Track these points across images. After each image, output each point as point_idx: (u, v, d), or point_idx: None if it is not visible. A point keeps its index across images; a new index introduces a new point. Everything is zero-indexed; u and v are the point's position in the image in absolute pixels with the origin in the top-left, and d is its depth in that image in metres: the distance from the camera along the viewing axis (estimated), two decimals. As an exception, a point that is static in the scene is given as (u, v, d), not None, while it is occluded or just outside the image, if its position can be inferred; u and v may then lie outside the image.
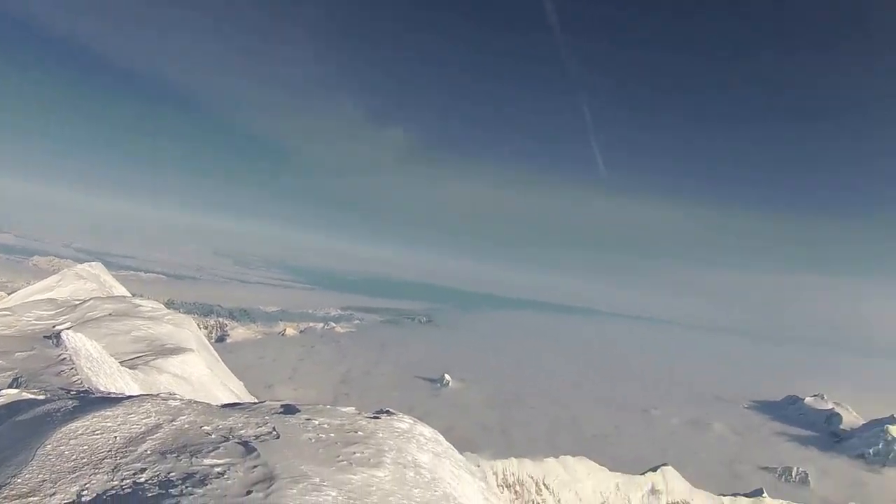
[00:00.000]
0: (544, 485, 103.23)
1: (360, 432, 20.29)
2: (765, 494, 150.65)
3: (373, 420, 22.79)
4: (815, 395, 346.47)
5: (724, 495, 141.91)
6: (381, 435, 20.93)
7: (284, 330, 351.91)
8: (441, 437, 25.78)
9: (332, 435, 19.41)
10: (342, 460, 16.88)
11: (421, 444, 22.56)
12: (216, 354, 57.38)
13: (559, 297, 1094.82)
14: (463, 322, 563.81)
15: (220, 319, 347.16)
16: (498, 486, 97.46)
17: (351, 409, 23.61)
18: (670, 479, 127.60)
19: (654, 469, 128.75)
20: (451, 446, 26.00)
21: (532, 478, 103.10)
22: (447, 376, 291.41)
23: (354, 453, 17.59)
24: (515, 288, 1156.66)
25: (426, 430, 25.19)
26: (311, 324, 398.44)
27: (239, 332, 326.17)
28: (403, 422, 24.87)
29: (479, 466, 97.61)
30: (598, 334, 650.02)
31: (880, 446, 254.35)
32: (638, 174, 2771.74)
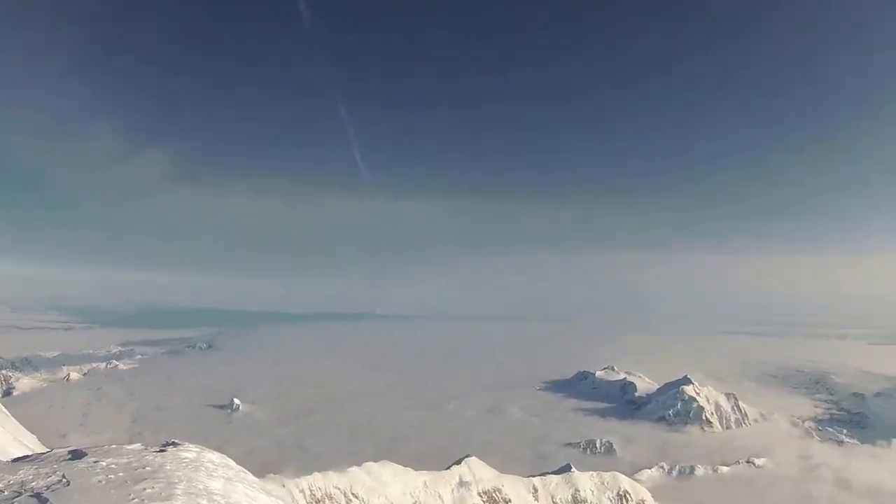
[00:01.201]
0: (353, 494, 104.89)
1: (148, 467, 21.01)
2: (573, 469, 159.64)
3: (159, 454, 23.57)
4: (605, 368, 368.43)
5: (534, 476, 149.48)
6: (169, 467, 21.77)
7: (68, 375, 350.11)
8: (231, 462, 26.78)
9: (122, 474, 19.99)
10: (134, 498, 17.31)
11: (210, 472, 23.47)
12: (5, 410, 55.42)
13: (338, 306, 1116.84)
14: (246, 343, 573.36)
15: (4, 372, 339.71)
16: (307, 502, 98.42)
17: (137, 446, 24.33)
18: (477, 469, 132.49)
19: (459, 462, 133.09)
20: (243, 469, 27.11)
21: (339, 489, 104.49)
22: (236, 400, 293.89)
23: (145, 489, 18.17)
24: (295, 302, 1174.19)
25: (214, 457, 26.19)
26: (94, 364, 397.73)
27: (24, 383, 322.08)
28: (190, 451, 25.67)
29: (284, 486, 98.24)
30: (381, 338, 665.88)
31: (679, 407, 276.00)
32: (401, 172, 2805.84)
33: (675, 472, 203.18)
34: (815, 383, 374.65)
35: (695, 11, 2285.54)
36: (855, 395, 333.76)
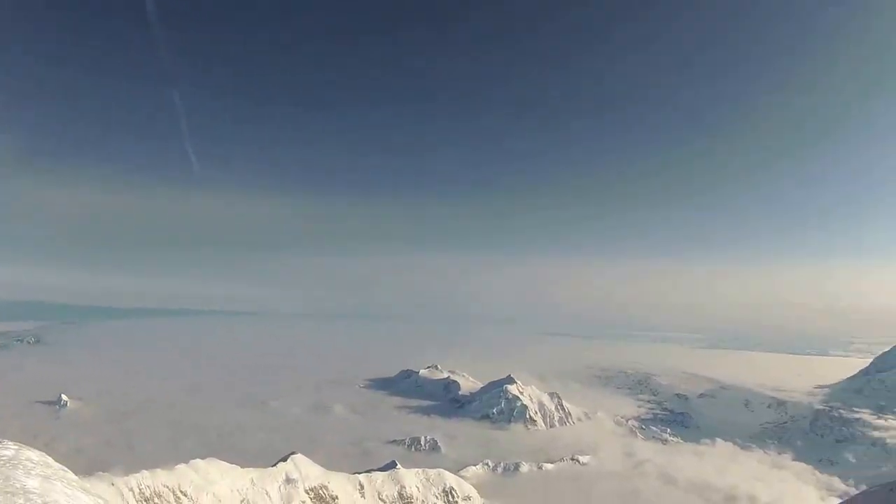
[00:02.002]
0: (181, 492, 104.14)
1: (-39, 466, 21.47)
2: (399, 466, 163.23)
3: (-26, 452, 24.09)
4: (429, 367, 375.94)
5: (359, 473, 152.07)
6: (-17, 466, 22.24)
7: None
8: (50, 460, 26.67)
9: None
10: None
11: (28, 469, 22.62)
12: None
13: (169, 301, 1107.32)
14: (74, 338, 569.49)
15: None
16: (136, 500, 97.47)
17: (-49, 444, 24.69)
18: (303, 466, 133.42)
19: (285, 459, 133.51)
20: (63, 467, 26.89)
21: (168, 487, 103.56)
22: (64, 397, 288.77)
23: (-43, 488, 17.10)
24: (126, 297, 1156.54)
25: (33, 455, 26.10)
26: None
27: None
28: (8, 449, 25.41)
29: (113, 485, 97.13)
30: (210, 334, 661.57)
31: (502, 405, 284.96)
32: (235, 167, 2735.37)
33: (500, 469, 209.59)
34: (638, 384, 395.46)
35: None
36: (678, 395, 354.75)
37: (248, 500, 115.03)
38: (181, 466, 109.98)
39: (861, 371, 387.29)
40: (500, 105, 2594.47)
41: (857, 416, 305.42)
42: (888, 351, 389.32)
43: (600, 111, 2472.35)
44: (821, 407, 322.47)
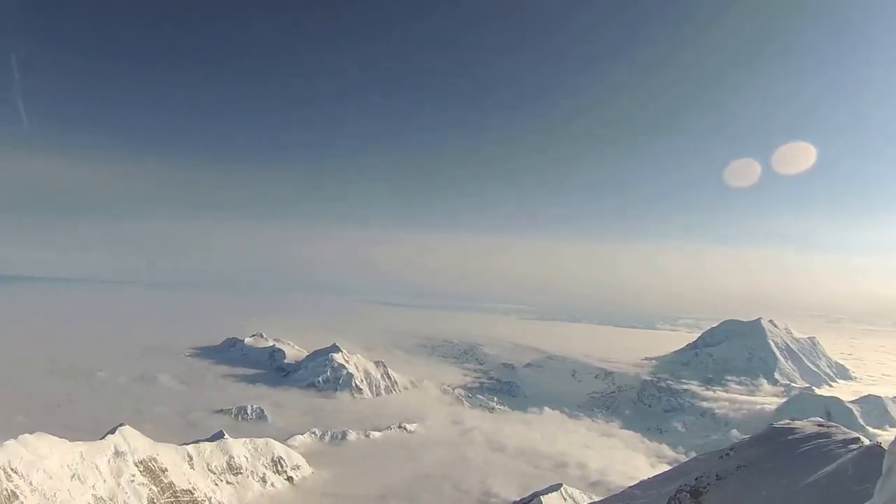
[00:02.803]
0: (12, 469, 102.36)
1: None
2: (226, 436, 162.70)
3: None
4: (254, 335, 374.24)
5: (187, 444, 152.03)
6: None
7: None
8: None
9: None
10: None
11: None
12: None
13: None
14: None
15: None
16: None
17: None
18: (131, 438, 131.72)
19: (113, 431, 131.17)
20: None
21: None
22: None
23: None
24: None
25: None
26: None
27: None
28: None
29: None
30: (33, 302, 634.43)
31: (328, 374, 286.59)
32: (70, 127, 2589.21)
33: (327, 438, 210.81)
34: (465, 354, 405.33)
35: None
36: (505, 365, 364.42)
37: (78, 476, 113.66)
38: (10, 442, 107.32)
39: (689, 345, 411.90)
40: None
41: (684, 387, 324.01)
42: (716, 326, 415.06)
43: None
44: (648, 378, 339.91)
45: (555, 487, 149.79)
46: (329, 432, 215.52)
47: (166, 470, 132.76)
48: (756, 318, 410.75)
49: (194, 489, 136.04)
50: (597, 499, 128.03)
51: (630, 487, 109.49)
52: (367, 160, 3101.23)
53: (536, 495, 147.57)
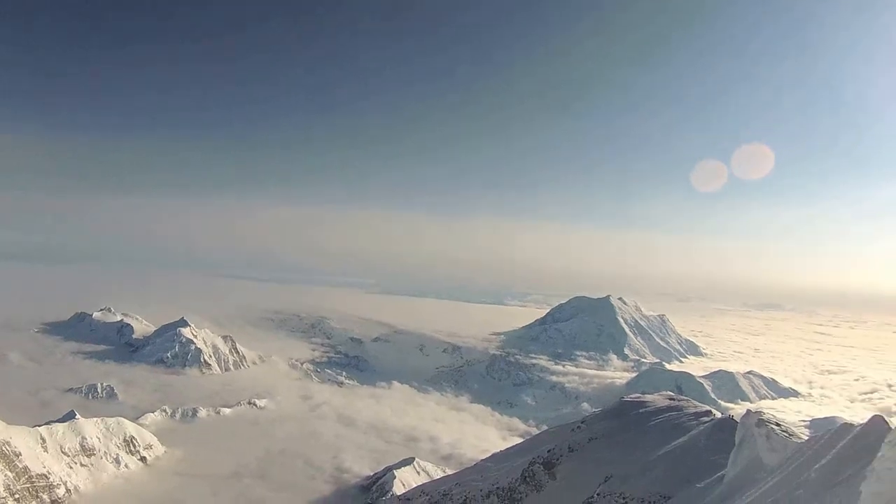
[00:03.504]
0: None
1: None
2: (77, 416, 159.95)
3: None
4: (102, 310, 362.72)
5: (39, 426, 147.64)
6: None
7: None
8: None
9: None
10: None
11: None
12: None
13: None
14: None
15: None
16: None
17: None
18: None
19: None
20: None
21: None
22: None
23: None
24: None
25: None
26: None
27: None
28: None
29: None
30: None
31: (176, 349, 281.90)
32: None
33: (178, 415, 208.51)
34: (312, 328, 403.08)
35: None
36: (353, 339, 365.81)
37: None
38: None
39: (538, 320, 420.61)
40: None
41: (534, 361, 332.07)
42: (565, 303, 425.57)
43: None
44: (497, 352, 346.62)
45: (407, 461, 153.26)
46: (179, 409, 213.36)
47: (20, 454, 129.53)
48: (605, 295, 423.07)
49: (49, 473, 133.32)
50: (450, 472, 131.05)
51: (483, 460, 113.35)
52: (211, 131, 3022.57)
53: (389, 469, 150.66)
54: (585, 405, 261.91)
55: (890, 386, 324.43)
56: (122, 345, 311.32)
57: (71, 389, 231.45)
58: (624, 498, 70.48)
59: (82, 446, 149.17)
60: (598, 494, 73.66)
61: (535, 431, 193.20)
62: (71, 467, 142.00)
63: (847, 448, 37.22)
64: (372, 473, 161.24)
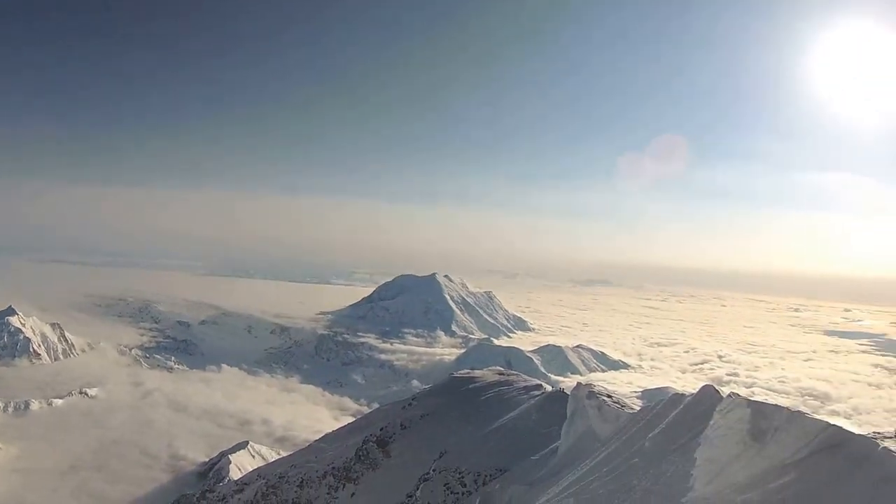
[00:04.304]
0: None
1: None
2: None
3: None
4: None
5: None
6: None
7: None
8: None
9: None
10: None
11: None
12: None
13: None
14: None
15: None
16: None
17: None
18: None
19: None
20: None
21: None
22: None
23: None
24: None
25: None
26: None
27: None
28: None
29: None
30: None
31: (5, 339, 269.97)
32: None
33: (10, 409, 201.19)
34: (139, 312, 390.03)
35: None
36: (181, 323, 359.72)
37: None
38: None
39: (364, 299, 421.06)
40: None
41: (362, 340, 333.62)
42: (391, 281, 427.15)
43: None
44: (325, 332, 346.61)
45: (242, 445, 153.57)
46: (11, 403, 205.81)
47: None
48: (431, 272, 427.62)
49: None
50: (284, 454, 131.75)
51: (317, 441, 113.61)
52: (46, 116, 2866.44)
53: (224, 455, 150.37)
54: (415, 382, 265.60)
55: (720, 357, 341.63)
56: None
57: None
58: (460, 473, 71.70)
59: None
60: (433, 471, 74.43)
61: (366, 410, 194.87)
62: None
63: (680, 417, 40.68)
64: (207, 459, 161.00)
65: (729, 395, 38.20)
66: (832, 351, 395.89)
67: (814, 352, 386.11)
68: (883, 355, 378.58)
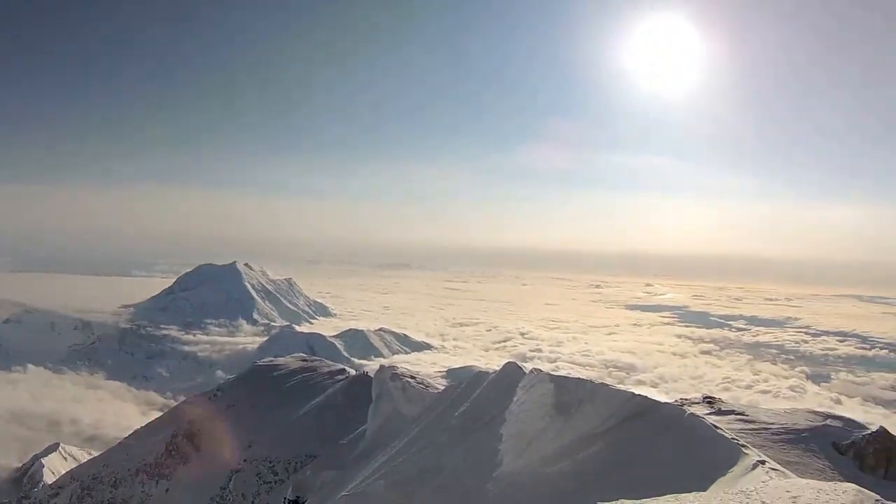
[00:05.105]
0: None
1: None
2: None
3: None
4: None
5: None
6: None
7: None
8: None
9: None
10: None
11: None
12: None
13: None
14: None
15: None
16: None
17: None
18: None
19: None
20: None
21: None
22: None
23: None
24: None
25: None
26: None
27: None
28: None
29: None
30: None
31: None
32: None
33: None
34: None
35: None
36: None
37: None
38: None
39: (165, 290, 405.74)
40: None
41: (165, 332, 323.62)
42: (192, 271, 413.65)
43: None
44: (128, 326, 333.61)
45: (52, 448, 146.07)
46: None
47: None
48: (232, 261, 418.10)
49: None
50: (95, 454, 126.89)
51: (126, 438, 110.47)
52: None
53: (37, 458, 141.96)
54: (220, 373, 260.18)
55: (523, 334, 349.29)
56: None
57: None
58: (270, 462, 72.40)
59: None
60: (244, 461, 74.70)
61: (173, 403, 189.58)
62: None
63: (484, 394, 40.24)
64: (21, 465, 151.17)
65: (531, 371, 38.20)
66: (635, 324, 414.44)
67: (616, 325, 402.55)
68: (686, 326, 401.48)
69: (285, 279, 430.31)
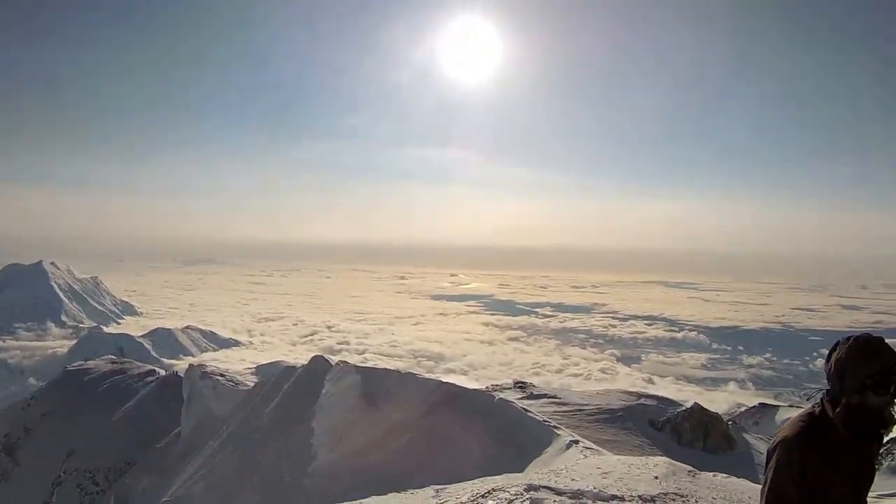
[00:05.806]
0: None
1: None
2: None
3: None
4: None
5: None
6: None
7: None
8: None
9: None
10: None
11: None
12: None
13: None
14: None
15: None
16: None
17: None
18: None
19: None
20: None
21: None
22: None
23: None
24: None
25: None
26: None
27: None
28: None
29: None
30: None
31: None
32: None
33: None
34: None
35: None
36: None
37: None
38: None
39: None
40: None
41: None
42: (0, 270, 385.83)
43: None
44: None
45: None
46: None
47: None
48: (38, 260, 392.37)
49: None
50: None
51: None
52: None
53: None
54: (32, 380, 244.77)
55: (329, 327, 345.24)
56: None
57: None
58: (90, 472, 69.60)
59: None
60: (64, 472, 71.63)
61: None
62: None
63: (293, 389, 40.40)
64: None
65: (337, 363, 38.44)
66: (441, 314, 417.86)
67: (422, 316, 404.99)
68: (492, 314, 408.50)
69: (91, 278, 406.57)
